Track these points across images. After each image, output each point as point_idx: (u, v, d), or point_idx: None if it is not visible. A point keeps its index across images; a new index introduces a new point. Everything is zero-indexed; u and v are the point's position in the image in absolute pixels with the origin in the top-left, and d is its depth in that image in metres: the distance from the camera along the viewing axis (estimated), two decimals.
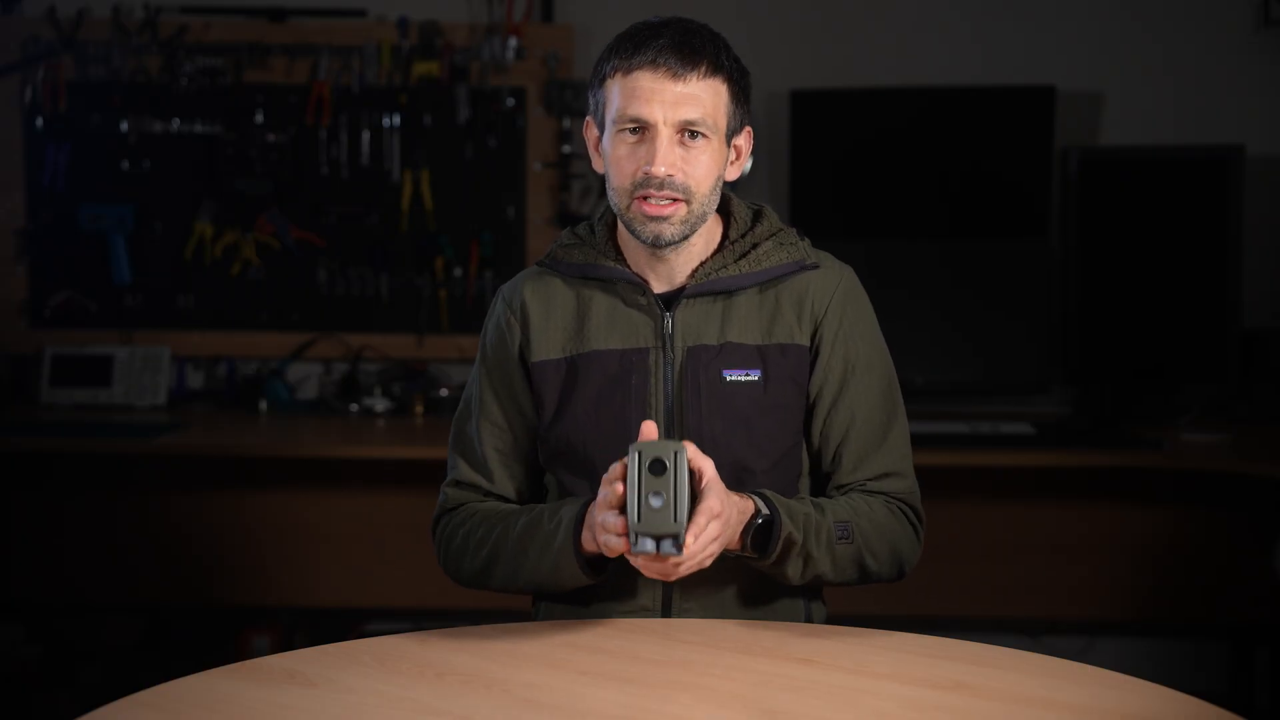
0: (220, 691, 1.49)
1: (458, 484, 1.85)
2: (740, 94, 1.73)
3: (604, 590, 1.76)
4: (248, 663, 1.57)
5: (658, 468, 1.52)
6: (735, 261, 1.78)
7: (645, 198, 1.69)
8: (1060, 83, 3.57)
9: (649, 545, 1.53)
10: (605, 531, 1.57)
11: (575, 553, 1.67)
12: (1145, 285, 3.52)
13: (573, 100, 3.65)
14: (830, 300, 1.79)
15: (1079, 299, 3.52)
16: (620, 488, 1.56)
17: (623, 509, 1.55)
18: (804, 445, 1.82)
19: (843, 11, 3.71)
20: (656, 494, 1.51)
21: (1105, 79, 3.66)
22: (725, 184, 1.78)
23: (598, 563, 1.69)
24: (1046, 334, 3.50)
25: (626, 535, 1.55)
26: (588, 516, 1.66)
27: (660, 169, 1.67)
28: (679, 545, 1.52)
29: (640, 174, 1.68)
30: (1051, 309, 3.53)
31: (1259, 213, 3.55)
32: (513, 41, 3.66)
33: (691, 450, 1.56)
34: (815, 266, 1.80)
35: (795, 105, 3.59)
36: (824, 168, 3.62)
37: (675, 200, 1.69)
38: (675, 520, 1.51)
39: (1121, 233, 3.51)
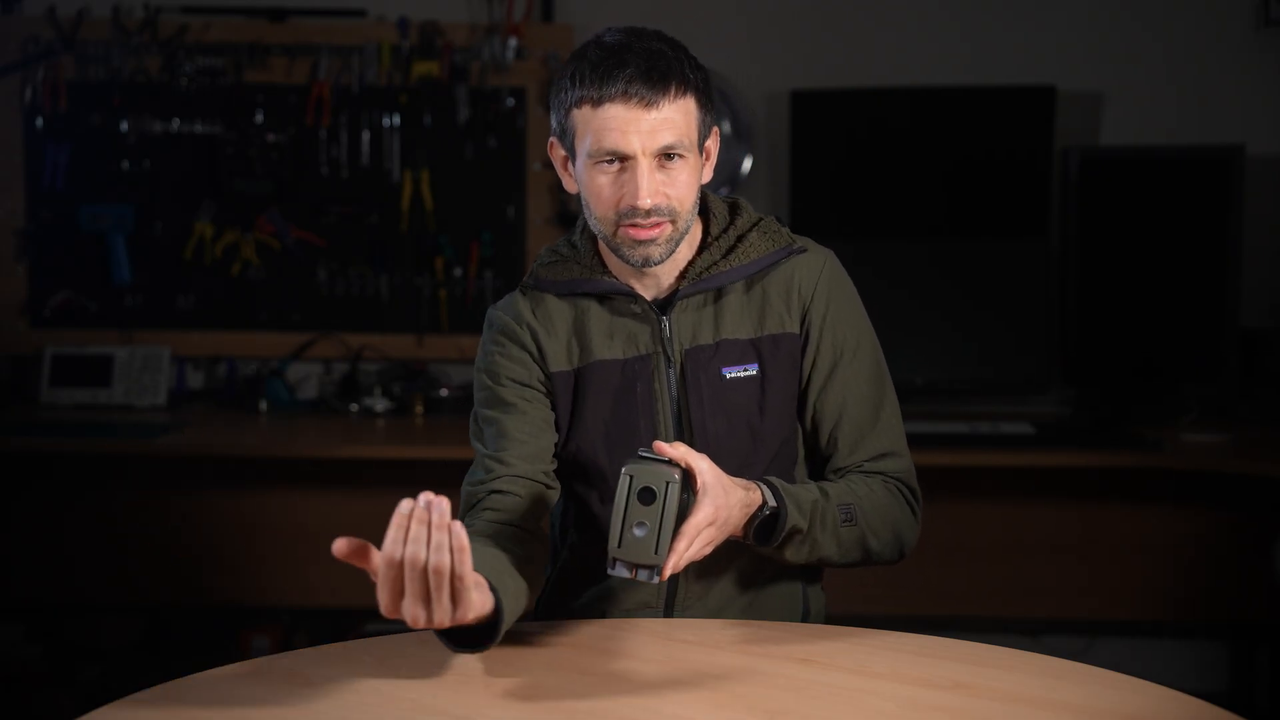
0: (220, 691, 1.49)
1: (475, 479, 1.77)
2: (706, 100, 1.72)
3: (605, 591, 1.76)
4: (248, 663, 1.57)
5: (647, 496, 1.51)
6: (724, 257, 1.78)
7: (632, 224, 1.69)
8: (1060, 83, 3.57)
9: (624, 571, 1.52)
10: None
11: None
12: (1145, 285, 3.52)
13: None
14: (816, 284, 1.80)
15: (1079, 299, 3.51)
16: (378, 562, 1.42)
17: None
18: (799, 433, 1.83)
19: (843, 11, 3.71)
20: (641, 524, 1.50)
21: (1105, 79, 3.66)
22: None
23: (466, 638, 1.52)
24: (1046, 334, 3.50)
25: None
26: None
27: (646, 201, 1.66)
28: (655, 574, 1.52)
29: (625, 206, 1.67)
30: (1051, 309, 3.53)
31: (1259, 213, 3.55)
32: (513, 41, 3.66)
33: (684, 449, 1.55)
34: (803, 250, 1.81)
35: (795, 105, 3.59)
36: (824, 168, 3.62)
37: (660, 222, 1.69)
38: (656, 553, 1.51)
39: (1121, 233, 3.51)
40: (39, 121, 3.68)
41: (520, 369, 1.80)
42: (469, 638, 1.52)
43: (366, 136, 3.69)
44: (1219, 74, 3.63)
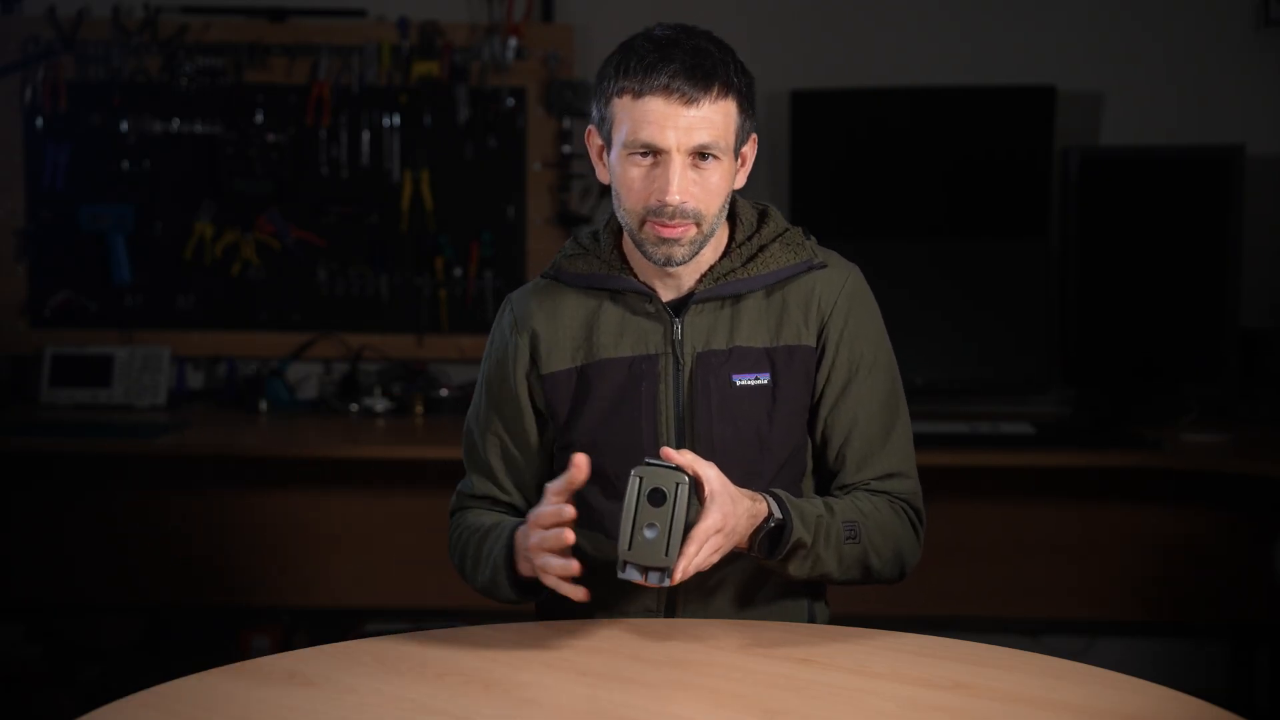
0: (220, 691, 1.49)
1: (473, 496, 1.87)
2: (748, 106, 1.72)
3: (606, 592, 1.77)
4: (248, 663, 1.57)
5: (657, 498, 1.51)
6: (743, 265, 1.78)
7: (658, 221, 1.69)
8: (1060, 83, 3.57)
9: (635, 575, 1.53)
10: (541, 550, 1.60)
11: (506, 571, 1.71)
12: (1145, 285, 3.52)
13: (573, 100, 3.65)
14: (836, 299, 1.79)
15: (1079, 299, 3.51)
16: (566, 511, 1.58)
17: (565, 523, 1.58)
18: (809, 445, 1.82)
19: (843, 11, 3.71)
20: (651, 525, 1.51)
21: (1105, 79, 3.66)
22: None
23: (531, 585, 1.71)
24: (1046, 334, 3.50)
25: (564, 554, 1.58)
26: (517, 538, 1.69)
27: (675, 198, 1.66)
28: (666, 577, 1.52)
29: (654, 201, 1.68)
30: (1051, 309, 3.53)
31: (1259, 213, 3.55)
32: (513, 41, 3.66)
33: (690, 457, 1.56)
34: (823, 266, 1.80)
35: (795, 105, 3.59)
36: (824, 168, 3.62)
37: (686, 223, 1.69)
38: (666, 554, 1.51)
39: (1121, 233, 3.51)
40: (39, 121, 3.67)
41: (508, 381, 1.83)
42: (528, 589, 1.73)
43: (366, 136, 3.69)
44: (1219, 74, 3.63)
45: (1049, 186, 3.55)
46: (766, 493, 1.67)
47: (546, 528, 1.61)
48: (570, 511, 1.60)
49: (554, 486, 1.62)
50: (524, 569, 1.69)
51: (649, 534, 1.51)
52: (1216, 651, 3.62)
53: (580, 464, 1.60)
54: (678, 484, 1.51)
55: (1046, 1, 3.67)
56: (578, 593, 1.59)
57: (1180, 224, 3.50)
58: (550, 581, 1.60)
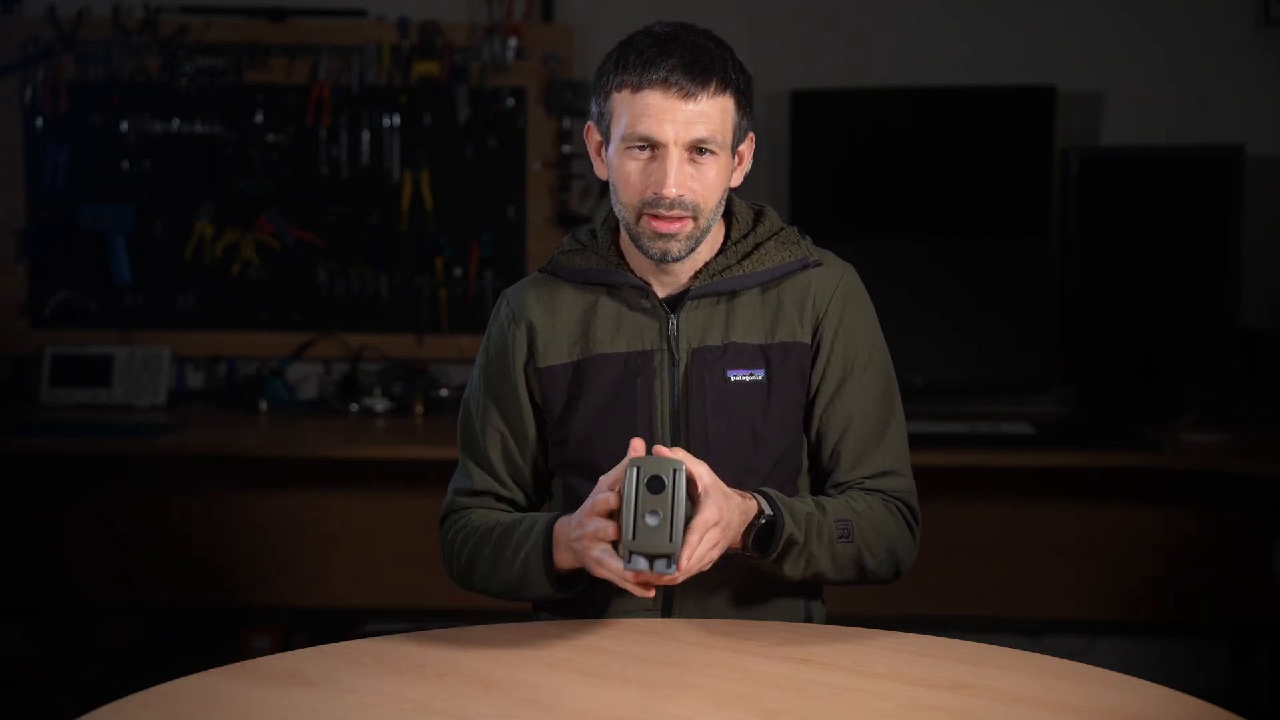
0: (220, 691, 1.49)
1: (473, 493, 1.86)
2: (745, 103, 1.73)
3: (603, 591, 1.77)
4: (248, 663, 1.57)
5: (656, 485, 1.52)
6: (739, 262, 1.78)
7: (655, 216, 1.69)
8: (1060, 83, 3.57)
9: (642, 564, 1.53)
10: (595, 540, 1.58)
11: (543, 563, 1.69)
12: (1145, 285, 3.52)
13: (573, 100, 3.65)
14: (831, 297, 1.80)
15: (1079, 299, 3.52)
16: (614, 499, 1.57)
17: (610, 515, 1.57)
18: (804, 443, 1.82)
19: (843, 11, 3.71)
20: (653, 512, 1.51)
21: (1105, 79, 3.66)
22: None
23: (568, 578, 1.70)
24: (1046, 334, 3.50)
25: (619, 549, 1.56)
26: (558, 529, 1.68)
27: (671, 190, 1.67)
28: (673, 564, 1.52)
29: (651, 194, 1.68)
30: (1051, 309, 3.53)
31: (1259, 213, 3.55)
32: (513, 41, 3.66)
33: (683, 454, 1.56)
34: (818, 264, 1.81)
35: (795, 105, 3.59)
36: (824, 168, 3.62)
37: (683, 217, 1.70)
38: (671, 540, 1.51)
39: (1121, 233, 3.51)
40: (39, 121, 3.68)
41: (508, 375, 1.83)
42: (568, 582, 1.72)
43: (366, 136, 3.69)
44: (1219, 74, 3.63)
45: (1049, 186, 3.55)
46: (757, 491, 1.67)
47: (604, 516, 1.59)
48: (615, 501, 1.57)
49: (609, 478, 1.59)
50: (565, 561, 1.67)
51: (651, 521, 1.51)
52: (1216, 651, 3.62)
53: (637, 447, 1.58)
54: (675, 470, 1.52)
55: (1046, 1, 3.68)
56: (648, 591, 1.58)
57: (1180, 224, 3.50)
58: (607, 574, 1.58)
